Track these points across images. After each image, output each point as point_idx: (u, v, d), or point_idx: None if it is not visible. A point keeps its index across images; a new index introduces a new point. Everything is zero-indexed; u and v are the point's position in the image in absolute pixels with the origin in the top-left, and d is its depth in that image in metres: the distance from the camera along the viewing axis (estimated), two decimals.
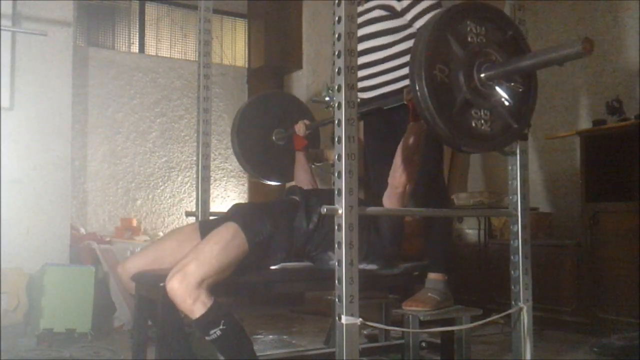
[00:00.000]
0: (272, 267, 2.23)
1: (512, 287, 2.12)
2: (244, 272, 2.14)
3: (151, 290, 2.11)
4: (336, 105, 1.69)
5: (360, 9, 2.61)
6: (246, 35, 6.40)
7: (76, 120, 5.02)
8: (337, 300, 1.65)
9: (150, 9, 6.02)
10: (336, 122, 1.69)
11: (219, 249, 2.01)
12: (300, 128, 2.87)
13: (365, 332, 3.35)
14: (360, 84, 2.48)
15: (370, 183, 2.87)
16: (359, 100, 2.08)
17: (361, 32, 2.57)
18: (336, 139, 1.69)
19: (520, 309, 2.09)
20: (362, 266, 2.10)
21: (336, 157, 1.68)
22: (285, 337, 3.81)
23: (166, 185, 5.77)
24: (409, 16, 2.54)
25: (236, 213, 2.27)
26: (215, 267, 1.98)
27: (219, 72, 6.00)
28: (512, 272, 2.12)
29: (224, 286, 2.07)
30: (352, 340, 1.63)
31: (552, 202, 4.49)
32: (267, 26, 5.98)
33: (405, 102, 2.10)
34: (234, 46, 6.45)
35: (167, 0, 6.06)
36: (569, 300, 3.79)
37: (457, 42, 1.71)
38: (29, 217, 4.01)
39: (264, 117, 3.11)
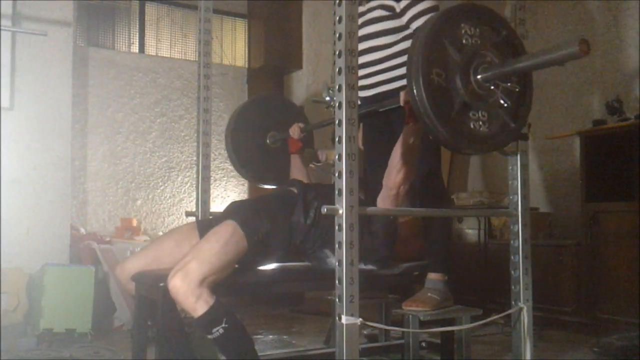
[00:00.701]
0: (272, 267, 2.23)
1: (512, 287, 2.12)
2: (244, 270, 2.14)
3: (151, 290, 2.11)
4: (337, 105, 1.69)
5: (361, 9, 2.61)
6: (246, 35, 6.41)
7: (76, 120, 5.02)
8: (337, 300, 1.65)
9: (150, 9, 6.02)
10: (337, 122, 1.69)
11: (219, 247, 2.02)
12: (295, 131, 2.87)
13: (365, 332, 3.35)
14: (359, 83, 2.48)
15: (368, 183, 2.87)
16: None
17: (362, 31, 2.58)
18: (337, 139, 1.68)
19: (520, 309, 2.09)
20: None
21: (337, 157, 1.68)
22: (285, 337, 3.81)
23: (166, 185, 5.77)
24: (405, 17, 2.55)
25: (234, 211, 2.27)
26: (217, 265, 1.99)
27: (219, 72, 6.00)
28: (512, 272, 2.12)
29: (225, 286, 2.07)
30: (352, 340, 1.63)
31: (552, 202, 4.49)
32: (267, 26, 5.99)
33: (401, 105, 2.10)
34: (234, 46, 6.45)
35: (167, 0, 6.06)
36: (569, 300, 3.79)
37: (452, 45, 1.72)
38: (29, 217, 4.01)
39: (258, 121, 3.09)
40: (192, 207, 3.90)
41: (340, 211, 1.64)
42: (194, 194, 3.02)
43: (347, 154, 1.65)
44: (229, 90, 6.17)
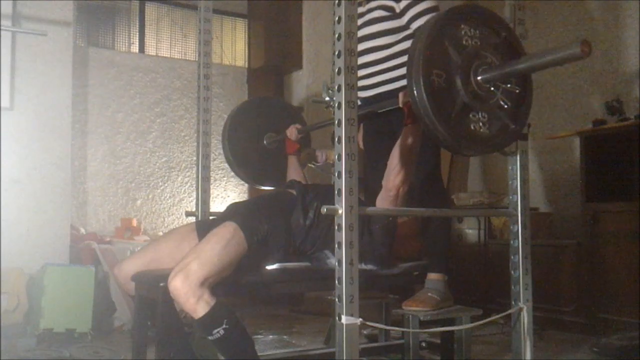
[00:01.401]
0: (272, 267, 2.23)
1: (512, 287, 2.12)
2: (244, 271, 2.14)
3: (151, 290, 2.11)
4: (336, 105, 1.69)
5: (361, 9, 2.61)
6: (246, 35, 6.41)
7: (76, 120, 5.02)
8: (337, 300, 1.65)
9: (150, 9, 6.02)
10: (336, 122, 1.69)
11: (220, 248, 2.02)
12: (292, 132, 2.88)
13: (365, 332, 3.35)
14: (359, 83, 2.48)
15: (368, 183, 2.87)
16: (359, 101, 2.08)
17: (362, 32, 2.58)
18: (336, 139, 1.68)
19: (520, 309, 2.09)
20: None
21: (336, 157, 1.68)
22: (285, 337, 3.81)
23: (166, 185, 5.77)
24: (405, 18, 2.55)
25: (234, 212, 2.27)
26: (217, 267, 1.99)
27: (219, 72, 6.01)
28: (512, 272, 2.12)
29: (225, 286, 2.07)
30: (352, 340, 1.63)
31: (552, 202, 4.49)
32: (267, 26, 5.99)
33: (400, 106, 2.10)
34: (234, 46, 6.45)
35: (167, 0, 6.06)
36: (569, 300, 3.79)
37: (452, 46, 1.72)
38: (29, 217, 4.01)
39: (254, 122, 3.09)
40: (192, 207, 3.91)
41: (340, 211, 1.64)
42: (194, 194, 3.02)
43: (347, 154, 1.65)
44: (229, 90, 6.17)
